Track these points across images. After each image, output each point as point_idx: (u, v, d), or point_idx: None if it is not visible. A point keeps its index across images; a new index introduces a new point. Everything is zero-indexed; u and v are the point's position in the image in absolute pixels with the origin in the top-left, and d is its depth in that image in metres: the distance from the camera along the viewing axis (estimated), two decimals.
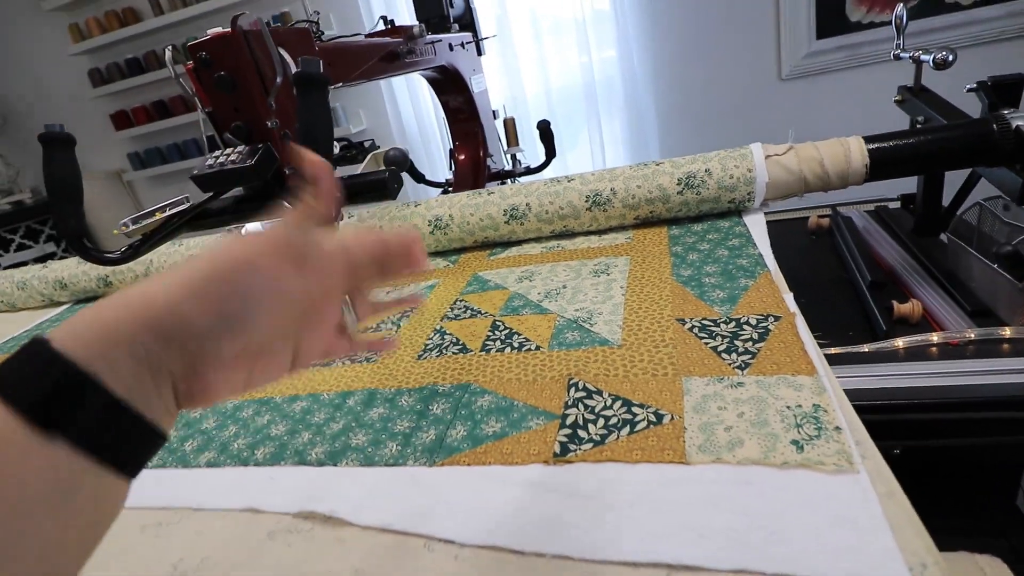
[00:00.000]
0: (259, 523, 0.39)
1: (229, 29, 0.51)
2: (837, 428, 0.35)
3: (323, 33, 0.66)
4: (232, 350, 0.22)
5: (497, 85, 2.26)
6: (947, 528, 0.70)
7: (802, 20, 1.89)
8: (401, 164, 0.64)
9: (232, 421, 0.52)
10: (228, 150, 0.51)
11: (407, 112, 2.36)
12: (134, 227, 0.52)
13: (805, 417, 0.37)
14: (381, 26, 0.92)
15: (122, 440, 0.19)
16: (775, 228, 1.09)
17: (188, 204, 0.54)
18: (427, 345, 0.57)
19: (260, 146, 0.51)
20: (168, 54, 0.55)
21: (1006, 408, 0.57)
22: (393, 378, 0.53)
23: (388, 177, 0.54)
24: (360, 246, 0.27)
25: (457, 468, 0.40)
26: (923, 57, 0.85)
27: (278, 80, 0.52)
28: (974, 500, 0.71)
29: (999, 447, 0.60)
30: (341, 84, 0.65)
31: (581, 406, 0.43)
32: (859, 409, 0.61)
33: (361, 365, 0.56)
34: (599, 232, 0.80)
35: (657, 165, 0.75)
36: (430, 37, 1.01)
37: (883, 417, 0.61)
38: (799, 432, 0.35)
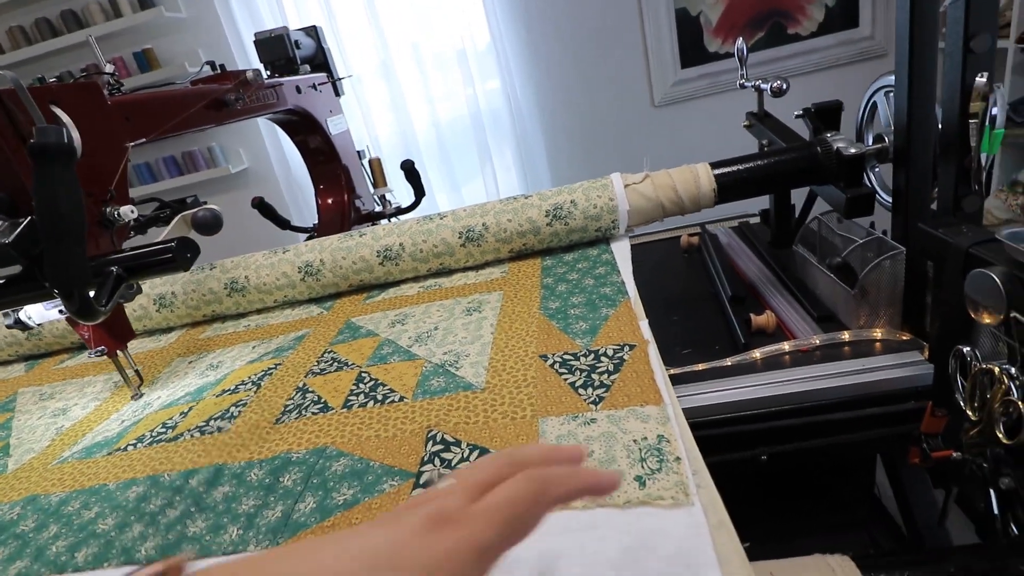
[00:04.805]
0: None
1: None
2: (677, 459, 0.36)
3: (122, 85, 0.61)
4: None
5: (384, 120, 2.24)
6: (815, 527, 0.75)
7: (667, 50, 2.03)
8: (211, 227, 0.58)
9: (53, 519, 0.45)
10: None
11: (290, 148, 2.28)
12: None
13: (649, 450, 0.37)
14: (208, 71, 0.88)
15: None
16: (652, 248, 1.14)
17: None
18: (286, 407, 0.54)
19: (23, 220, 0.45)
20: None
21: (849, 408, 0.62)
22: (245, 449, 0.48)
23: (175, 249, 0.48)
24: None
25: None
26: (762, 86, 0.93)
27: None
28: (839, 495, 0.76)
29: (850, 445, 0.64)
30: (144, 140, 0.59)
31: (437, 461, 0.41)
32: (725, 421, 0.64)
33: (212, 437, 0.51)
34: (476, 268, 0.79)
35: (526, 199, 0.76)
36: (271, 80, 0.97)
37: (748, 427, 0.64)
38: (643, 466, 0.36)
